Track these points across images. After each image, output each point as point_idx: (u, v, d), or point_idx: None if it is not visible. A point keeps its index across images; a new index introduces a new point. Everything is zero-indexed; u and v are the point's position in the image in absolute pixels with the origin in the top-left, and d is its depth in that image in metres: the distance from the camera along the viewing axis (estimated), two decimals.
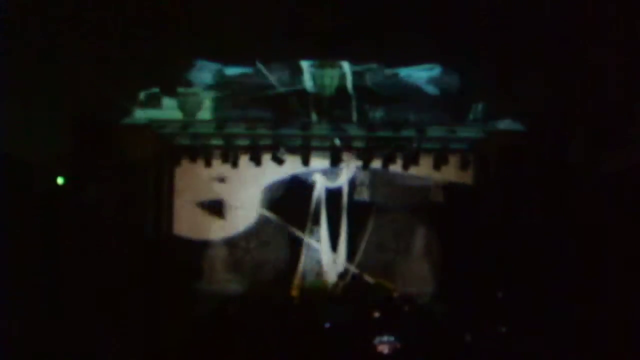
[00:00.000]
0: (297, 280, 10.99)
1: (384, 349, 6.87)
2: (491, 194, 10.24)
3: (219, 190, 11.05)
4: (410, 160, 10.42)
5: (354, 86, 10.04)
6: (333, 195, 11.18)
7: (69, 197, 8.82)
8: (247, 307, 9.38)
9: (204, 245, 10.95)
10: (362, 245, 11.09)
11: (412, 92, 10.10)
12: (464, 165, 10.55)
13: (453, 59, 9.39)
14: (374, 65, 9.67)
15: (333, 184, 11.15)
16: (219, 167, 10.73)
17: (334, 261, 11.13)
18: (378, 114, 10.18)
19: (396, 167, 10.60)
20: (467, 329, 7.73)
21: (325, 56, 9.67)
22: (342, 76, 9.94)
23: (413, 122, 10.14)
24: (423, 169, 10.67)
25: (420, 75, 9.99)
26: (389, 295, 10.12)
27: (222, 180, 10.91)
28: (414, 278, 10.87)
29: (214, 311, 8.82)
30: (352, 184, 11.14)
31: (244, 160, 10.51)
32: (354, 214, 11.12)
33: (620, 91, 7.71)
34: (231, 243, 11.05)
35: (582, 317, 7.78)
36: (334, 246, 11.15)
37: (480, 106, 10.09)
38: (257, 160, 10.42)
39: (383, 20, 8.32)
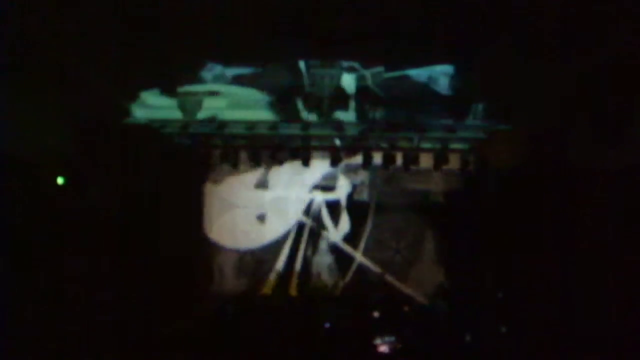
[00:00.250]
0: (296, 280, 11.01)
1: (384, 349, 6.88)
2: (491, 194, 10.25)
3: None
4: (410, 160, 10.42)
5: (354, 86, 10.04)
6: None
7: (69, 197, 8.82)
8: (247, 307, 9.40)
9: (207, 245, 10.99)
10: (362, 245, 11.10)
11: (412, 92, 10.09)
12: (464, 165, 10.57)
13: (453, 59, 9.38)
14: (380, 69, 9.68)
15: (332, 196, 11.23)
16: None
17: (334, 261, 11.15)
18: (378, 114, 10.17)
19: (396, 167, 10.61)
20: (467, 329, 7.74)
21: (325, 56, 9.66)
22: (342, 76, 9.94)
23: (413, 122, 10.14)
24: (423, 169, 10.68)
25: (422, 75, 9.98)
26: (389, 296, 10.14)
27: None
28: (414, 278, 10.88)
29: (214, 311, 8.84)
30: (352, 186, 11.19)
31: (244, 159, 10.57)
32: (353, 213, 11.15)
33: (620, 91, 7.70)
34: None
35: (582, 317, 7.79)
36: (334, 246, 11.17)
37: (480, 106, 10.08)
38: (256, 161, 10.44)
39: (383, 20, 8.31)
